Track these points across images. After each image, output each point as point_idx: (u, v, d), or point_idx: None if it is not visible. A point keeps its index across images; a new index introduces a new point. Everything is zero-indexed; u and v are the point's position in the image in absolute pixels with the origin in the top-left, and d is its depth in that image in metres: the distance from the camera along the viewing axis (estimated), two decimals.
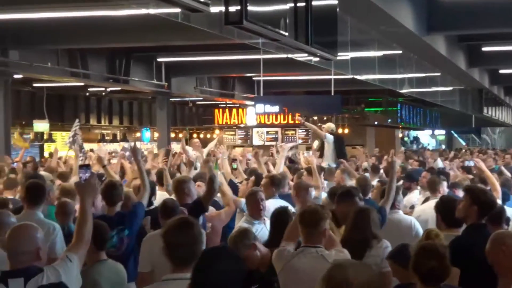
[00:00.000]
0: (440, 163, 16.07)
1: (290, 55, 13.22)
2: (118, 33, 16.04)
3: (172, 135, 28.46)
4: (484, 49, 20.43)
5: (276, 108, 19.83)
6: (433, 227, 7.19)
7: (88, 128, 31.72)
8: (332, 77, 17.10)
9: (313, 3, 7.85)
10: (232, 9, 5.97)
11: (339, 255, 5.29)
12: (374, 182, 10.06)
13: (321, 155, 14.89)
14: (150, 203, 8.59)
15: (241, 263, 3.31)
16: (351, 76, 17.44)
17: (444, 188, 8.87)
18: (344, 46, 12.72)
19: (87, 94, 29.35)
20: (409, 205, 9.73)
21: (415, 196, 10.24)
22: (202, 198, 7.29)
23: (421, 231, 7.49)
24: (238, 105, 31.41)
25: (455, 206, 6.19)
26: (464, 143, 46.98)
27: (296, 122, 15.43)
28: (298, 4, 7.58)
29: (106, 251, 6.48)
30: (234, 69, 23.69)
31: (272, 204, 7.56)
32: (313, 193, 9.05)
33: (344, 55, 14.20)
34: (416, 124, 38.04)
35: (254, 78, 25.20)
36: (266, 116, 28.87)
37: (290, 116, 28.68)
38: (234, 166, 11.38)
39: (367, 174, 11.47)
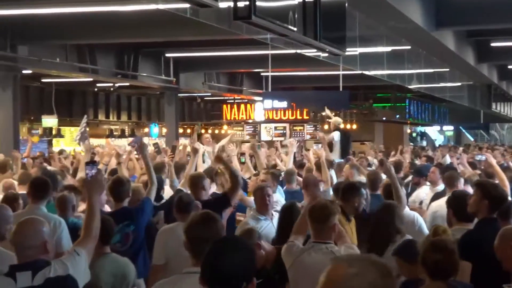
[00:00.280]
0: (448, 159, 16.06)
1: (298, 51, 13.22)
2: (126, 29, 16.06)
3: (180, 130, 28.46)
4: (493, 44, 20.40)
5: (284, 104, 19.85)
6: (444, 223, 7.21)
7: (97, 124, 31.74)
8: (341, 72, 17.09)
9: None
10: (241, 4, 5.97)
11: (349, 251, 5.29)
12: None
13: (331, 150, 14.91)
14: (160, 197, 8.64)
15: (253, 253, 3.29)
16: (359, 72, 17.44)
17: (461, 184, 8.83)
18: (352, 41, 12.70)
19: (96, 89, 29.38)
20: (418, 201, 9.73)
21: (423, 191, 10.23)
22: (227, 192, 7.41)
23: (424, 226, 7.51)
24: (246, 100, 31.41)
25: (467, 201, 6.20)
26: (472, 139, 46.84)
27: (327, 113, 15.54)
28: None
29: (112, 247, 6.52)
30: (243, 65, 23.70)
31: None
32: (322, 187, 9.09)
33: (353, 51, 14.20)
34: (424, 120, 37.98)
35: (262, 74, 25.26)
36: (274, 112, 28.88)
37: (298, 112, 28.70)
38: (242, 160, 11.43)
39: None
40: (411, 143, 36.89)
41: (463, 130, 48.88)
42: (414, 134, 45.04)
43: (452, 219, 6.36)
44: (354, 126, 32.15)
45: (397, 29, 14.52)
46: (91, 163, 5.36)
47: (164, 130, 28.28)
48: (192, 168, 8.56)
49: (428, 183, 10.43)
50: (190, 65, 23.27)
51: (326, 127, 15.42)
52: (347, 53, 10.24)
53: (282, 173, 10.61)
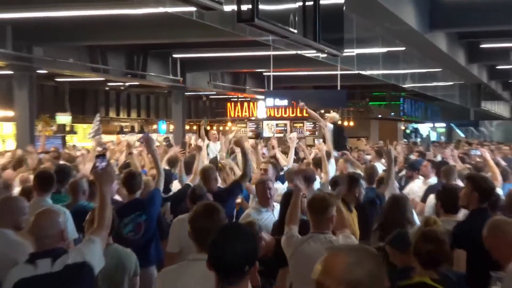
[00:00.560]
0: (439, 158, 16.07)
1: (298, 52, 13.21)
2: (136, 31, 16.07)
3: (187, 127, 28.49)
4: (483, 46, 20.37)
5: (285, 102, 19.81)
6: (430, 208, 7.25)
7: (108, 121, 31.76)
8: (338, 72, 17.09)
9: (321, 1, 7.83)
10: (244, 7, 5.96)
11: (346, 240, 5.30)
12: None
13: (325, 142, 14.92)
14: (168, 190, 8.66)
15: (254, 239, 3.32)
16: (356, 72, 17.41)
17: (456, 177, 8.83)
18: (350, 42, 12.70)
19: (107, 88, 29.43)
20: (411, 193, 9.72)
21: (416, 184, 10.25)
22: (240, 179, 7.70)
23: (416, 217, 7.52)
24: (249, 99, 31.44)
25: (454, 194, 6.26)
26: (463, 135, 46.85)
27: (298, 108, 15.53)
28: (307, 3, 7.56)
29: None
30: (246, 65, 23.70)
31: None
32: (320, 180, 9.12)
33: (350, 52, 14.18)
34: (417, 117, 38.01)
35: (264, 73, 25.25)
36: (275, 109, 28.90)
37: (298, 110, 28.70)
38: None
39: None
40: (405, 139, 36.86)
41: (454, 127, 48.85)
42: (408, 131, 45.05)
43: (440, 210, 6.38)
44: (351, 123, 32.18)
45: (392, 31, 14.51)
46: (102, 155, 5.35)
47: (172, 127, 28.31)
48: (199, 164, 8.56)
49: (420, 177, 10.45)
50: (196, 65, 23.27)
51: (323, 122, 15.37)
52: (344, 54, 10.20)
53: (285, 168, 10.59)
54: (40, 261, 4.29)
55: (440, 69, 23.29)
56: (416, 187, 10.14)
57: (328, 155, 10.53)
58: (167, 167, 10.03)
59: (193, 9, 8.13)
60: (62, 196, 7.47)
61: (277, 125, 31.03)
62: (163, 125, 32.77)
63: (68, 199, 7.15)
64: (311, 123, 29.62)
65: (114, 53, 19.81)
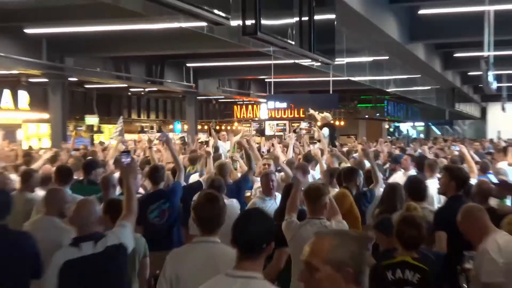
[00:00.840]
0: (419, 151, 16.05)
1: (296, 61, 13.20)
2: (154, 43, 16.07)
3: (199, 127, 28.50)
4: (456, 55, 20.34)
5: (284, 105, 19.87)
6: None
7: (130, 122, 31.77)
8: (331, 78, 17.09)
9: (315, 17, 7.82)
10: (248, 22, 5.96)
11: (339, 225, 5.30)
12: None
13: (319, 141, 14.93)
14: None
15: (271, 221, 3.40)
16: (346, 78, 17.40)
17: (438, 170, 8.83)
18: (340, 52, 12.68)
19: (129, 93, 29.43)
20: None
21: (398, 176, 10.23)
22: (247, 173, 8.13)
23: None
24: (253, 102, 31.42)
25: (419, 185, 6.38)
26: (439, 133, 46.69)
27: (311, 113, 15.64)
28: (303, 18, 7.55)
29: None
30: (250, 72, 23.69)
31: None
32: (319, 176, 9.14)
33: (341, 60, 14.17)
34: (400, 117, 37.93)
35: (266, 80, 25.22)
36: (276, 111, 28.83)
37: (296, 111, 28.67)
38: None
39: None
40: (389, 136, 36.80)
41: (432, 126, 48.70)
42: (391, 129, 45.00)
43: (407, 199, 6.38)
44: (342, 123, 32.13)
45: (377, 42, 14.49)
46: (126, 152, 5.35)
47: (186, 127, 28.31)
48: (211, 166, 8.56)
49: (402, 169, 10.43)
50: (206, 73, 23.27)
51: (319, 123, 15.38)
52: (336, 63, 10.19)
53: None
54: (83, 244, 4.32)
55: (419, 75, 23.25)
56: (398, 178, 10.13)
57: (322, 153, 10.64)
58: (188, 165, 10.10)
59: (204, 24, 8.12)
60: (84, 185, 7.50)
61: (277, 124, 31.01)
62: (178, 125, 32.78)
63: (91, 189, 7.14)
64: (307, 123, 29.57)
65: (136, 63, 19.81)
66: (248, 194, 8.34)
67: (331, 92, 18.12)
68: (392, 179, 10.13)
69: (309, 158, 10.23)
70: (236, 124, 32.76)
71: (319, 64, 11.96)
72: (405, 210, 5.62)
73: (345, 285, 2.49)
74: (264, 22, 6.09)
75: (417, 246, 4.56)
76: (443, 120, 40.79)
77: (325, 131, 14.58)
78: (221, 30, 9.39)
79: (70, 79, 18.60)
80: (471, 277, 4.65)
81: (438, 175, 8.00)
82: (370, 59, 17.66)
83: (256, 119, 31.93)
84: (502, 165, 10.61)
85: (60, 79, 17.32)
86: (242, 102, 32.35)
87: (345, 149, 14.07)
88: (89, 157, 11.11)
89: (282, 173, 8.42)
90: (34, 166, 9.42)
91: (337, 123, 30.91)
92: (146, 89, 26.70)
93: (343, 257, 2.49)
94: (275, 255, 5.31)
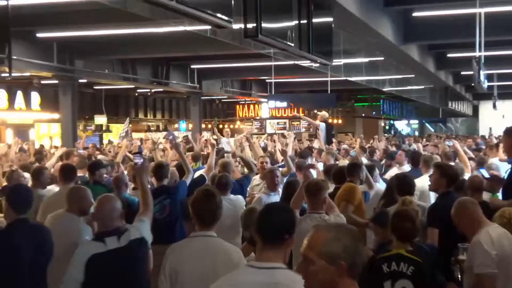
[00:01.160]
0: (414, 146, 16.03)
1: (295, 62, 13.19)
2: (160, 46, 16.07)
3: (203, 125, 28.50)
4: (449, 55, 20.30)
5: (284, 104, 19.89)
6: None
7: (137, 121, 31.78)
8: (329, 79, 17.06)
9: (314, 20, 7.82)
10: (250, 25, 5.96)
11: (337, 219, 5.30)
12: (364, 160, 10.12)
13: (315, 137, 14.94)
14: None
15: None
16: (343, 78, 17.39)
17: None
18: (338, 54, 12.67)
19: (136, 94, 29.41)
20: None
21: (393, 171, 10.23)
22: (248, 174, 8.41)
23: None
24: (254, 101, 31.40)
25: (405, 181, 6.31)
26: (433, 130, 46.63)
27: (296, 115, 15.69)
28: (302, 21, 7.55)
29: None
30: (251, 73, 23.67)
31: None
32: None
33: (338, 61, 14.16)
34: (395, 116, 37.86)
35: (267, 80, 25.17)
36: (276, 110, 28.93)
37: (295, 110, 28.69)
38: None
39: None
40: (385, 134, 36.78)
41: (426, 123, 48.64)
42: (387, 127, 44.98)
43: (397, 194, 6.36)
44: (340, 121, 32.14)
45: (373, 44, 14.47)
46: (139, 153, 5.39)
47: (190, 126, 28.31)
48: (213, 158, 8.55)
49: (397, 165, 10.43)
50: (210, 74, 23.26)
51: (317, 122, 15.37)
52: (333, 63, 10.22)
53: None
54: (107, 238, 4.33)
55: (413, 75, 23.21)
56: (393, 174, 10.12)
57: (320, 151, 10.69)
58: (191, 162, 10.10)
59: (207, 27, 8.12)
60: (90, 185, 7.48)
61: (278, 123, 31.02)
62: (183, 124, 32.79)
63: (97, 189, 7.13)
64: (306, 121, 29.55)
65: (142, 65, 19.80)
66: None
67: (329, 91, 18.09)
68: (387, 175, 10.15)
69: (304, 155, 10.26)
70: (238, 123, 32.76)
71: (317, 65, 11.96)
72: (401, 204, 5.61)
73: (338, 277, 2.48)
74: (264, 25, 6.09)
75: (411, 239, 4.55)
76: (436, 118, 40.73)
77: (322, 126, 14.56)
78: (224, 33, 9.38)
79: (79, 80, 18.62)
80: (464, 268, 4.65)
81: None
82: (366, 60, 17.65)
83: (258, 118, 31.94)
84: (493, 160, 10.60)
85: (70, 80, 17.32)
86: (244, 102, 32.34)
87: (344, 146, 14.08)
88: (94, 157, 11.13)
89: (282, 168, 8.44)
90: (48, 164, 9.44)
91: (335, 121, 31.01)
92: (153, 90, 26.67)
93: (336, 250, 2.48)
94: None
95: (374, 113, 34.39)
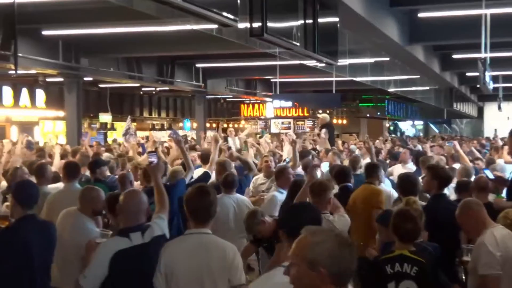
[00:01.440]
0: (419, 147, 16.08)
1: (301, 61, 13.18)
2: (165, 44, 16.06)
3: (208, 125, 28.50)
4: (454, 56, 20.27)
5: (289, 104, 19.92)
6: None
7: (142, 120, 31.80)
8: (334, 79, 17.05)
9: (319, 19, 7.82)
10: (255, 25, 5.96)
11: (341, 218, 5.30)
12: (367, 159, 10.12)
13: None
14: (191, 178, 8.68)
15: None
16: (348, 78, 17.36)
17: None
18: (343, 54, 12.64)
19: (141, 92, 29.41)
20: (395, 174, 9.68)
21: (397, 167, 10.28)
22: (248, 173, 8.60)
23: None
24: (259, 101, 31.35)
25: (408, 181, 6.25)
26: (437, 131, 46.59)
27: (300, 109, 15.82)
28: (307, 21, 7.55)
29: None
30: (256, 73, 23.66)
31: None
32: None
33: (343, 61, 14.13)
34: (400, 116, 37.80)
35: (272, 80, 25.20)
36: (281, 110, 28.79)
37: (300, 110, 28.65)
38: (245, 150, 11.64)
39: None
40: (393, 135, 36.74)
41: (430, 124, 48.57)
42: (391, 128, 44.94)
43: (400, 195, 6.35)
44: (344, 121, 32.11)
45: (378, 44, 14.45)
46: (153, 152, 5.39)
47: (195, 125, 28.31)
48: (216, 154, 8.54)
49: (402, 163, 10.47)
50: (215, 73, 23.24)
51: (316, 130, 15.49)
52: (339, 63, 10.21)
53: (287, 159, 10.65)
54: (132, 234, 4.32)
55: (418, 76, 23.18)
56: (396, 169, 10.16)
57: (327, 151, 10.81)
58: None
59: (213, 26, 8.11)
60: (92, 183, 7.47)
61: (282, 123, 30.97)
62: (187, 123, 32.81)
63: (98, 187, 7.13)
64: (311, 121, 29.51)
65: (147, 63, 19.81)
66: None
67: (334, 91, 18.09)
68: (390, 170, 10.23)
69: (305, 154, 10.30)
70: (243, 122, 32.75)
71: (323, 64, 11.94)
72: (404, 204, 5.60)
73: (321, 284, 2.37)
74: (270, 24, 6.08)
75: (413, 239, 4.53)
76: (441, 119, 40.65)
77: (324, 130, 14.60)
78: (229, 32, 9.37)
79: (85, 78, 18.60)
80: (469, 269, 4.64)
81: None
82: (372, 60, 17.62)
83: (262, 117, 31.90)
84: (499, 162, 10.59)
85: (75, 78, 17.33)
86: (249, 101, 32.32)
87: (352, 147, 14.12)
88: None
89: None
90: (54, 164, 9.46)
91: (339, 121, 31.01)
92: (157, 89, 26.66)
93: (318, 256, 2.38)
94: (276, 249, 5.31)
95: (378, 113, 34.35)
